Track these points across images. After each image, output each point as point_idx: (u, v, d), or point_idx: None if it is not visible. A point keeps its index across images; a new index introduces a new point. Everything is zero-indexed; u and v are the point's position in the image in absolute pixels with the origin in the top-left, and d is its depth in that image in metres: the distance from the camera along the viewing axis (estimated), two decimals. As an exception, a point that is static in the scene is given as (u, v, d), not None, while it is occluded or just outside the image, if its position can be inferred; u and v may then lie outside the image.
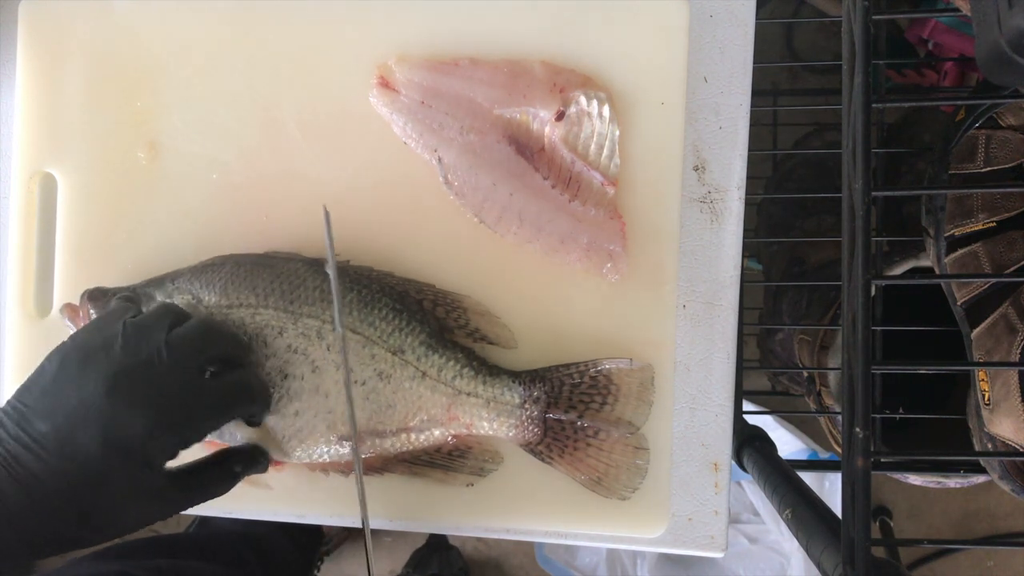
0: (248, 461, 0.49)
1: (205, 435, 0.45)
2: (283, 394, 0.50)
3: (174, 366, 0.43)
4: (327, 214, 0.49)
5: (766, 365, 1.09)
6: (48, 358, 0.43)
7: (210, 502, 0.57)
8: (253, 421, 0.50)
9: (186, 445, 0.44)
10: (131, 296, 0.51)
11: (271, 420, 0.51)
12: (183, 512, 0.47)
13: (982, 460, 0.70)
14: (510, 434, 0.51)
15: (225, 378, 0.47)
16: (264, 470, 0.51)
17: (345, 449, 0.52)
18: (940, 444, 0.85)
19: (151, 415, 0.41)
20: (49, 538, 0.41)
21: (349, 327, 0.50)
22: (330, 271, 0.48)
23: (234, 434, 0.52)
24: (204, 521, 1.04)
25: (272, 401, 0.50)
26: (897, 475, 0.84)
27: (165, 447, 0.43)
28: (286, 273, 0.51)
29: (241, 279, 0.51)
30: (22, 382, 0.44)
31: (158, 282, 0.53)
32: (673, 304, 0.53)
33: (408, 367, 0.50)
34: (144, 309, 0.50)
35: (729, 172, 0.54)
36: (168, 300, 0.51)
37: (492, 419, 0.51)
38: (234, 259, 0.53)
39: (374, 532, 0.50)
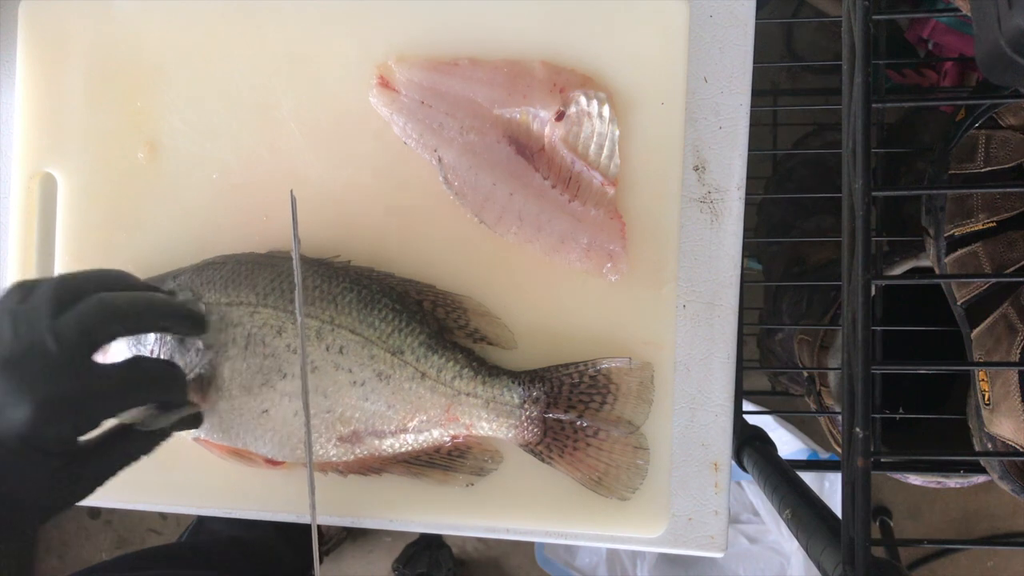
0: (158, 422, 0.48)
1: (100, 420, 0.44)
2: (282, 394, 0.50)
3: (62, 352, 0.41)
4: (293, 199, 0.48)
5: (766, 365, 1.09)
6: None
7: (211, 501, 0.57)
8: (176, 406, 0.48)
9: (79, 432, 0.43)
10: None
11: (272, 418, 0.51)
12: (181, 511, 0.47)
13: (982, 460, 0.70)
14: (510, 434, 0.51)
15: (124, 363, 0.45)
16: (171, 428, 0.49)
17: (344, 449, 0.52)
18: (940, 444, 0.85)
19: (38, 402, 0.40)
20: None
21: (348, 327, 0.50)
22: (294, 256, 0.48)
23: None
24: (198, 528, 1.04)
25: (268, 398, 0.50)
26: (897, 475, 0.84)
27: (57, 434, 0.42)
28: (286, 273, 0.51)
29: (242, 278, 0.51)
30: None
31: (160, 280, 0.53)
32: (673, 304, 0.53)
33: (407, 368, 0.50)
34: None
35: (729, 172, 0.54)
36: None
37: (492, 419, 0.51)
38: (235, 258, 0.53)
39: (374, 532, 0.50)
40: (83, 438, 0.44)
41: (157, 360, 0.49)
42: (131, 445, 0.47)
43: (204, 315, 0.50)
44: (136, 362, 0.46)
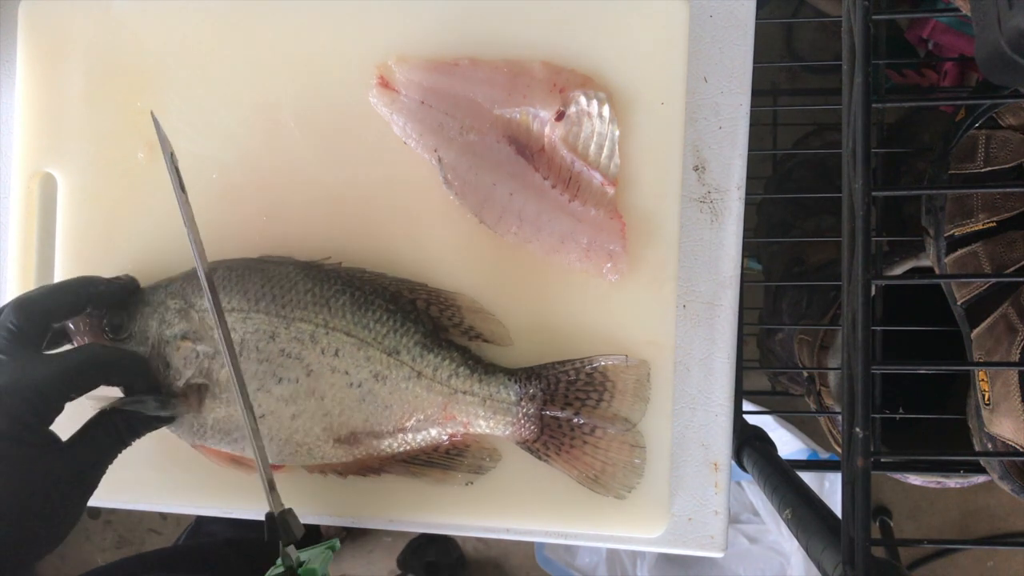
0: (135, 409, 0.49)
1: (58, 402, 0.45)
2: (278, 398, 0.50)
3: (7, 345, 0.46)
4: (155, 119, 0.48)
5: (766, 365, 1.09)
6: None
7: (210, 501, 0.57)
8: (136, 391, 0.50)
9: (40, 415, 0.45)
10: None
11: (269, 423, 0.51)
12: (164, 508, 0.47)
13: (982, 460, 0.70)
14: (507, 432, 0.51)
15: (70, 351, 0.48)
16: (155, 418, 0.50)
17: (343, 450, 0.52)
18: (940, 444, 0.85)
19: None
20: None
21: (343, 330, 0.50)
22: (169, 173, 0.47)
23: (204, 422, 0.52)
24: (196, 530, 1.04)
25: (265, 401, 0.50)
26: (897, 475, 0.84)
27: (16, 419, 0.44)
28: (277, 277, 0.51)
29: (232, 284, 0.51)
30: None
31: (152, 289, 0.53)
32: (673, 304, 0.53)
33: (404, 367, 0.50)
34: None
35: (729, 172, 0.54)
36: (160, 304, 0.52)
37: (488, 417, 0.51)
38: (225, 264, 0.53)
39: (374, 532, 0.50)
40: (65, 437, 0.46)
41: (107, 346, 0.51)
42: (110, 427, 0.48)
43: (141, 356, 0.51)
44: (87, 346, 0.49)
